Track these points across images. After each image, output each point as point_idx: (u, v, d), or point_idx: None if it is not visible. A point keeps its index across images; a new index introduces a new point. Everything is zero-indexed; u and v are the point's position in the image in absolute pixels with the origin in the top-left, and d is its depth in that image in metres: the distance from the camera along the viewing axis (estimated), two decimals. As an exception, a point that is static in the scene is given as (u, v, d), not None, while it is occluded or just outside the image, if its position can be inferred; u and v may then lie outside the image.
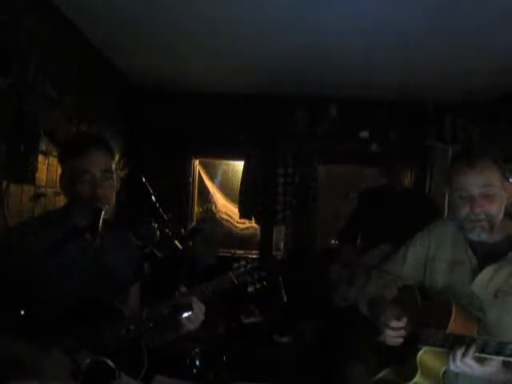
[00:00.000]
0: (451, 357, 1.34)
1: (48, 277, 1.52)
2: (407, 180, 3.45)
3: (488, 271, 1.54)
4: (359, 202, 3.66)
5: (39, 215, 2.00)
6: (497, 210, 1.51)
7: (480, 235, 1.53)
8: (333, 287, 3.45)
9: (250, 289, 1.72)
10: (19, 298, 1.48)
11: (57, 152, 1.75)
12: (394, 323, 1.53)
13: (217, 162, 5.07)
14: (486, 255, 1.56)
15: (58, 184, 1.71)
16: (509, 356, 1.24)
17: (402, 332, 1.53)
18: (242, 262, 1.77)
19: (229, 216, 4.99)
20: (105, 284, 1.61)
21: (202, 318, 1.59)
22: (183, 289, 2.54)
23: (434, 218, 3.38)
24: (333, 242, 4.67)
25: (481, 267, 1.56)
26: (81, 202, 1.57)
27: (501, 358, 1.27)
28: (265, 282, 1.74)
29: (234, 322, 3.67)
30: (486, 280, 1.53)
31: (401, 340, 1.53)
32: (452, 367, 1.35)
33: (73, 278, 1.55)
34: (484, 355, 1.29)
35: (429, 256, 1.72)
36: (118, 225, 1.85)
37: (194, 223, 4.65)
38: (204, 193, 5.00)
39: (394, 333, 1.53)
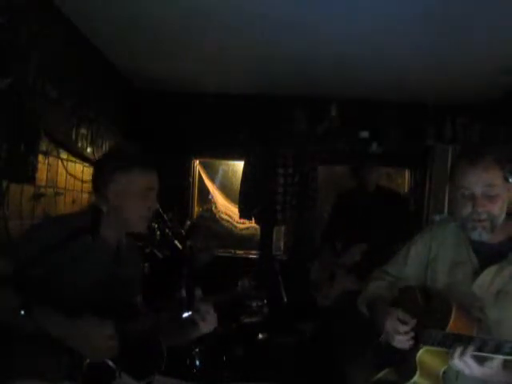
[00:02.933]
0: (450, 355, 1.34)
1: (60, 275, 1.56)
2: (377, 179, 3.45)
3: (489, 272, 1.53)
4: (334, 204, 3.68)
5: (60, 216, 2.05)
6: (499, 210, 1.51)
7: (481, 235, 1.53)
8: (314, 287, 3.46)
9: (253, 304, 1.91)
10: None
11: (104, 160, 1.81)
12: (402, 328, 1.53)
13: (217, 162, 5.08)
14: (488, 256, 1.56)
15: (75, 187, 1.77)
16: (507, 354, 1.24)
17: (412, 334, 1.53)
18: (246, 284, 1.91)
19: (229, 216, 4.99)
20: (115, 292, 1.66)
21: (215, 323, 1.68)
22: (183, 290, 2.56)
23: (405, 215, 3.43)
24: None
25: (482, 268, 1.55)
26: (136, 215, 1.69)
27: (500, 357, 1.27)
28: (265, 300, 1.92)
29: (233, 322, 3.66)
30: (488, 280, 1.53)
31: (412, 342, 1.53)
32: (453, 365, 1.36)
33: (90, 278, 1.61)
34: (482, 354, 1.29)
35: (430, 256, 1.71)
36: (132, 240, 1.93)
37: (191, 219, 4.62)
38: (204, 193, 5.00)
39: (405, 337, 1.53)
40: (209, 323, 1.64)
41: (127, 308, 1.62)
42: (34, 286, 1.49)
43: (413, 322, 1.53)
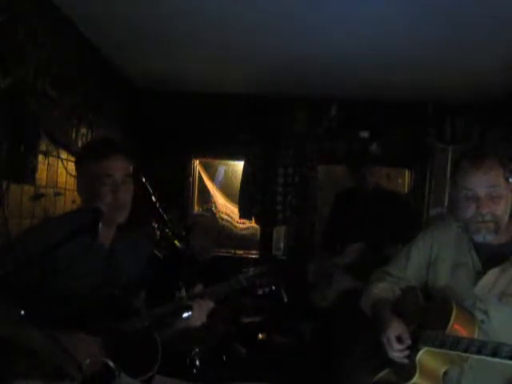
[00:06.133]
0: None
1: (54, 275, 1.53)
2: (376, 179, 3.45)
3: (492, 274, 1.53)
4: (334, 203, 3.67)
5: (59, 216, 2.04)
6: (502, 211, 1.51)
7: (485, 236, 1.52)
8: (311, 287, 3.46)
9: (259, 292, 1.81)
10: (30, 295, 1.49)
11: (76, 156, 1.81)
12: (397, 346, 1.52)
13: (217, 161, 5.07)
14: (490, 257, 1.55)
15: (75, 188, 1.75)
16: (505, 358, 1.24)
17: (407, 352, 1.52)
18: (251, 268, 1.84)
19: (229, 216, 4.98)
20: (116, 286, 1.65)
21: (203, 318, 1.64)
22: (183, 290, 2.55)
23: (405, 216, 3.43)
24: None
25: (484, 269, 1.55)
26: (99, 204, 1.58)
27: (497, 360, 1.26)
28: (273, 287, 1.83)
29: (233, 322, 3.66)
30: (491, 283, 1.52)
31: (406, 360, 1.53)
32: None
33: (84, 279, 1.58)
34: (481, 357, 1.29)
35: (432, 257, 1.71)
36: (130, 229, 1.89)
37: (191, 219, 4.60)
38: (204, 193, 5.00)
39: (399, 354, 1.53)
40: (199, 317, 1.63)
41: (122, 308, 1.60)
42: (28, 289, 1.47)
43: (408, 342, 1.52)
